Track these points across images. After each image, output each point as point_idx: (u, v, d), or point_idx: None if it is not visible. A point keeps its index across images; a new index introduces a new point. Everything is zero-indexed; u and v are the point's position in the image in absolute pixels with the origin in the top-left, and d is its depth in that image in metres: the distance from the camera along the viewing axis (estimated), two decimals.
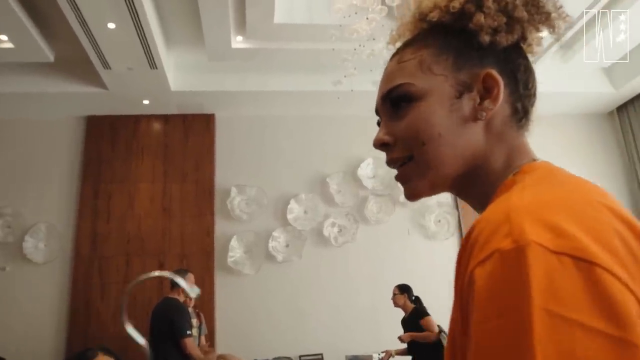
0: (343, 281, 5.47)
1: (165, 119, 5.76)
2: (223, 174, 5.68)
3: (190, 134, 5.76)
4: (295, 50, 4.80)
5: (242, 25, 4.52)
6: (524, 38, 0.60)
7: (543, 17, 0.59)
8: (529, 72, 0.60)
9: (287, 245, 5.51)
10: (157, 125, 5.76)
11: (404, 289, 4.06)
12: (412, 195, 0.60)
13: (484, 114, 0.56)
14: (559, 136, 6.13)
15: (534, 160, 0.57)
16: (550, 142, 6.25)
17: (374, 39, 3.49)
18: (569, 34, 4.63)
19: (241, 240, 5.44)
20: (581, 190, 0.47)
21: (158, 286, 5.15)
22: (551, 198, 0.45)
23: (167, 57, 4.85)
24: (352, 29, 3.48)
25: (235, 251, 5.41)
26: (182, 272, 3.77)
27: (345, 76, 3.78)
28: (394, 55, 0.63)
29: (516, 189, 0.49)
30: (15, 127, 5.56)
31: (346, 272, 5.50)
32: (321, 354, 5.16)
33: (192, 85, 5.25)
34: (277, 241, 5.51)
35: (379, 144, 0.61)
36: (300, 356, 5.11)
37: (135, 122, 5.71)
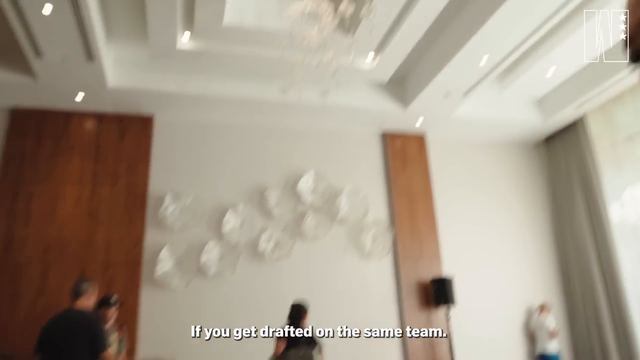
0: (276, 299, 5.29)
1: (100, 117, 5.44)
2: (158, 179, 5.40)
3: (126, 135, 5.46)
4: (243, 55, 4.72)
5: (189, 24, 4.40)
6: None
7: None
8: None
9: (221, 258, 5.29)
10: (90, 124, 5.42)
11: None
12: None
13: None
14: (493, 164, 6.42)
15: None
16: (485, 169, 6.51)
17: (324, 48, 3.48)
18: (505, 64, 4.90)
19: (172, 251, 5.16)
20: None
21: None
22: None
23: (106, 50, 4.60)
24: (303, 35, 3.46)
25: (165, 262, 5.12)
26: (84, 283, 3.31)
27: (294, 80, 3.72)
28: None
29: None
30: None
31: (279, 289, 5.33)
32: None
33: (131, 83, 5.00)
34: (211, 253, 5.27)
35: None
36: None
37: (65, 119, 5.34)
